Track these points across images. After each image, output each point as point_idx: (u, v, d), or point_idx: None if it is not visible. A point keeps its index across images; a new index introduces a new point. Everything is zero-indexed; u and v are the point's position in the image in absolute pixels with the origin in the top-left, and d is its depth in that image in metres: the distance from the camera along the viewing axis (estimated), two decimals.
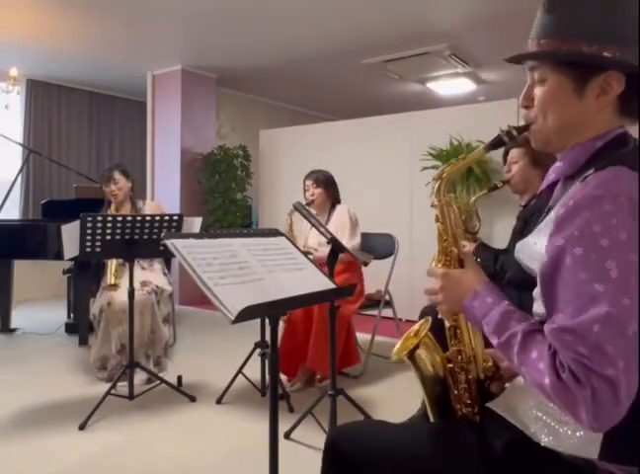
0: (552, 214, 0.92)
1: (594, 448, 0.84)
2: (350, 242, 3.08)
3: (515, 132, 1.00)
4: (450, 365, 1.09)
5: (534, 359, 0.80)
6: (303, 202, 3.23)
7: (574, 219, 0.80)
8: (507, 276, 2.03)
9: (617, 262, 0.76)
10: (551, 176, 0.99)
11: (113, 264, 3.21)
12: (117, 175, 3.38)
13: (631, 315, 0.75)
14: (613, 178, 0.81)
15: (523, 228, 2.04)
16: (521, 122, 1.02)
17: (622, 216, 0.77)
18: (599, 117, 0.90)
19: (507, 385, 1.07)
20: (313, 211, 3.21)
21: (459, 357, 1.08)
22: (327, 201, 3.29)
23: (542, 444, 0.88)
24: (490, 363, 1.09)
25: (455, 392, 1.09)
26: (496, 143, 1.03)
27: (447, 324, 1.09)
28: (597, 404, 0.73)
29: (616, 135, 0.91)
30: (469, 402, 1.08)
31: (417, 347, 1.10)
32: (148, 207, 3.50)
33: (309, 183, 3.29)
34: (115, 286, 3.12)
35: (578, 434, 0.86)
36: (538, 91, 0.94)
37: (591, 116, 0.90)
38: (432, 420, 1.13)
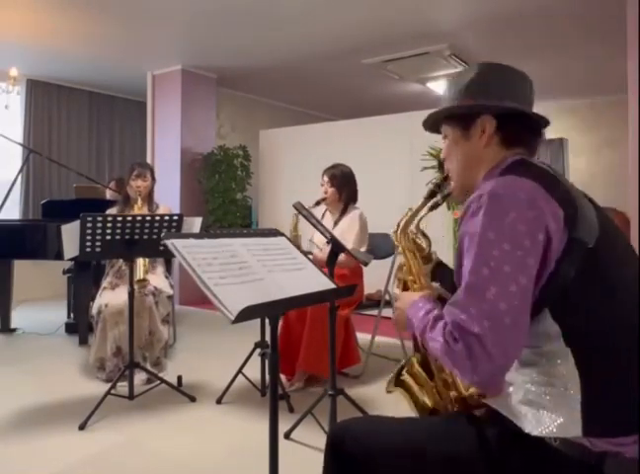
0: None
1: (576, 427, 0.90)
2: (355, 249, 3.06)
3: (439, 183, 1.29)
4: (438, 393, 1.19)
5: (436, 334, 0.95)
6: (319, 196, 3.22)
7: (463, 218, 1.00)
8: None
9: (478, 241, 0.93)
10: None
11: (141, 259, 3.15)
12: (147, 173, 3.44)
13: (490, 282, 0.90)
14: (493, 181, 1.00)
15: None
16: None
17: (486, 206, 0.94)
18: (488, 151, 1.11)
19: None
20: (322, 209, 3.22)
21: (444, 385, 1.19)
22: (339, 202, 3.24)
23: (533, 435, 0.93)
24: (472, 390, 1.15)
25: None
26: (431, 195, 1.30)
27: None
28: (473, 359, 0.86)
29: (514, 161, 1.07)
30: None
31: (400, 373, 1.23)
32: (162, 210, 3.51)
33: (325, 179, 3.23)
34: (144, 281, 3.08)
35: (558, 416, 0.92)
36: (444, 145, 1.19)
37: (480, 151, 1.12)
38: None
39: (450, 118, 1.16)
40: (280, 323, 2.98)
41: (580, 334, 0.92)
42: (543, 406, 0.94)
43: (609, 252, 0.97)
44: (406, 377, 1.22)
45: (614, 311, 0.94)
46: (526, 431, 0.94)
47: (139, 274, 3.06)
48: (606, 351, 0.92)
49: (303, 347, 2.87)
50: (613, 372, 0.92)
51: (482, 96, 1.10)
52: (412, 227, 1.34)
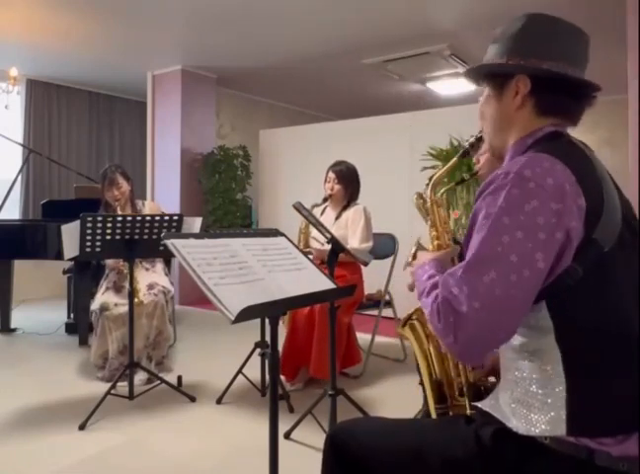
0: None
1: (562, 425, 0.90)
2: (361, 244, 3.05)
3: (474, 141, 1.31)
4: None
5: (428, 302, 0.96)
6: (323, 193, 3.22)
7: (483, 193, 0.96)
8: None
9: (491, 223, 0.90)
10: None
11: (137, 275, 3.02)
12: (120, 179, 3.30)
13: (492, 266, 0.88)
14: (519, 160, 0.95)
15: None
16: None
17: (509, 188, 0.91)
18: (520, 114, 1.06)
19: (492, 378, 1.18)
20: (322, 206, 3.23)
21: None
22: (343, 198, 3.25)
23: (520, 433, 0.93)
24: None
25: (451, 374, 1.21)
26: (465, 153, 1.34)
27: None
28: (456, 333, 0.87)
29: (546, 133, 1.03)
30: (460, 387, 1.19)
31: (410, 318, 1.26)
32: (147, 208, 3.47)
33: (332, 176, 3.22)
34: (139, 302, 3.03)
35: (546, 416, 0.92)
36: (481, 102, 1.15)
37: (512, 114, 1.07)
38: (432, 413, 1.21)
39: (488, 75, 1.11)
40: (287, 328, 2.98)
41: (572, 332, 0.91)
42: (531, 405, 0.94)
43: (623, 253, 0.93)
44: (416, 323, 1.26)
45: (611, 314, 0.91)
46: (514, 430, 0.94)
47: (136, 295, 2.95)
48: (596, 351, 0.90)
49: (314, 353, 2.87)
50: (600, 373, 0.90)
51: (522, 53, 1.04)
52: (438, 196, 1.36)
